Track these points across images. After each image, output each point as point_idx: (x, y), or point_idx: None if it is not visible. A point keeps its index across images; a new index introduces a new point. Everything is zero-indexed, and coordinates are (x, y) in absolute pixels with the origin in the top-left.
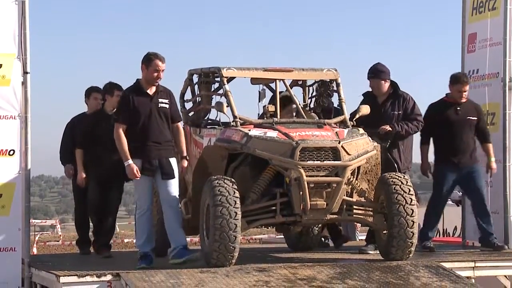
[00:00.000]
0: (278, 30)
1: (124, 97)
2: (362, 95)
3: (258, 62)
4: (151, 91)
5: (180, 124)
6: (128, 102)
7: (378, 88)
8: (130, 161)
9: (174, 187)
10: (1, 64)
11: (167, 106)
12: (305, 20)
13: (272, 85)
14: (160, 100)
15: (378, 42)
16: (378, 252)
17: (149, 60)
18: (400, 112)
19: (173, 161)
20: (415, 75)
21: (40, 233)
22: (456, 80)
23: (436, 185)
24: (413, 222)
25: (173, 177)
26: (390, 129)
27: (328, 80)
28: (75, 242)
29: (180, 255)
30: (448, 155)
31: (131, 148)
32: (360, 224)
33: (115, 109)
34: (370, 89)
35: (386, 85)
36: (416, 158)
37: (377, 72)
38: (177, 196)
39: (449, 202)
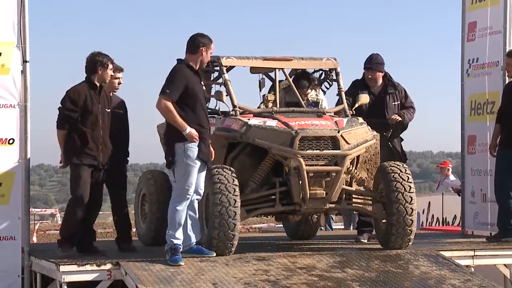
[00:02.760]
0: (278, 19)
1: (182, 72)
2: (352, 83)
3: (258, 51)
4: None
5: None
6: (185, 79)
7: (375, 80)
8: (189, 128)
9: (204, 176)
10: (1, 53)
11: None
12: (305, 9)
13: (272, 74)
14: (201, 83)
15: (377, 31)
16: (368, 241)
17: (208, 44)
18: (398, 102)
19: None
20: (414, 64)
21: (40, 222)
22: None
23: (497, 169)
24: (412, 209)
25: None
26: (400, 118)
27: (328, 69)
28: (60, 240)
29: (199, 251)
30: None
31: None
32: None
33: (168, 82)
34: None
35: (381, 78)
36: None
37: (375, 64)
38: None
39: (450, 190)
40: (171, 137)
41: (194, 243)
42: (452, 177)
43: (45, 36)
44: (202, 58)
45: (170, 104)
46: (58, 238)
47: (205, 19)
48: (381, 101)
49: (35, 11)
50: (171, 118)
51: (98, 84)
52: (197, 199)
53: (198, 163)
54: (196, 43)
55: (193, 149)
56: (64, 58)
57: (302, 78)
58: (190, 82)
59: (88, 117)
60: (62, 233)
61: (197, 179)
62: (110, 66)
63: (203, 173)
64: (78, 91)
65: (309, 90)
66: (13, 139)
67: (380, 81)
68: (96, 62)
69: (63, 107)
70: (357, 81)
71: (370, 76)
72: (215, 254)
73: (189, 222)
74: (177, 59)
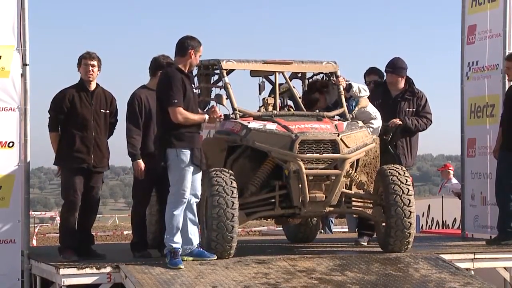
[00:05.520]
0: (277, 21)
1: (178, 78)
2: (374, 83)
3: (258, 54)
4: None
5: None
6: (182, 83)
7: (395, 84)
8: (205, 114)
9: (200, 178)
10: (0, 56)
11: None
12: (304, 11)
13: (272, 77)
14: (193, 86)
15: (377, 33)
16: (367, 243)
17: (197, 47)
18: (413, 109)
19: None
20: (414, 67)
21: (40, 225)
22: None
23: (498, 171)
24: (411, 212)
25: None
26: (400, 122)
27: (328, 72)
28: (60, 247)
29: (201, 254)
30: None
31: (183, 136)
32: None
33: (171, 91)
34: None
35: (402, 82)
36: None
37: (396, 68)
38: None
39: (451, 194)
40: (162, 142)
41: (195, 246)
42: (454, 180)
43: (45, 39)
44: (191, 61)
45: (184, 111)
46: (59, 246)
47: (206, 22)
48: (394, 105)
49: (35, 14)
50: (192, 122)
51: (90, 84)
52: (195, 202)
53: (192, 167)
54: (185, 45)
55: (186, 153)
56: (65, 61)
57: (311, 91)
58: (184, 86)
59: (77, 118)
60: (61, 241)
61: (194, 182)
62: (86, 61)
63: (199, 176)
64: (63, 92)
65: (324, 101)
66: (12, 142)
67: (401, 85)
68: (77, 61)
69: (49, 109)
70: (378, 83)
71: (388, 80)
72: (216, 257)
73: (189, 225)
74: (166, 63)
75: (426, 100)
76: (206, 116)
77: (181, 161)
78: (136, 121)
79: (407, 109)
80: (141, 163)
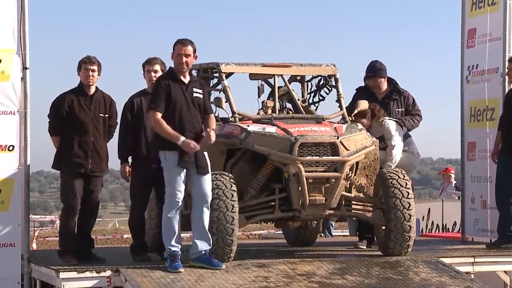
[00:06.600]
0: (276, 24)
1: (160, 84)
2: (356, 90)
3: (257, 57)
4: (185, 79)
5: (213, 115)
6: (164, 89)
7: (378, 86)
8: (183, 138)
9: (209, 183)
10: (1, 60)
11: (201, 96)
12: (304, 14)
13: (271, 80)
14: (194, 89)
15: (377, 36)
16: (366, 247)
17: (173, 46)
18: (402, 109)
19: (206, 154)
20: (414, 70)
21: (40, 228)
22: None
23: (498, 175)
24: (410, 215)
25: (208, 171)
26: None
27: (327, 75)
28: (60, 251)
29: (207, 261)
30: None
31: (167, 139)
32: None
33: (151, 96)
34: (362, 84)
35: (385, 83)
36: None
37: (376, 71)
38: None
39: (453, 197)
40: (155, 145)
41: (203, 252)
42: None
43: (45, 43)
44: (173, 63)
45: (159, 118)
46: (59, 250)
47: (206, 25)
48: (384, 107)
49: (36, 18)
50: (162, 132)
51: (90, 88)
52: (206, 207)
53: (181, 170)
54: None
55: (172, 157)
56: (65, 65)
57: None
58: (169, 92)
59: (76, 123)
60: (60, 244)
61: (200, 188)
62: (86, 66)
63: (203, 179)
64: (62, 96)
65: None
66: (13, 146)
67: (384, 86)
68: (77, 66)
69: (48, 114)
70: (361, 88)
71: (372, 84)
72: (224, 266)
73: (196, 229)
74: (169, 67)
75: (413, 98)
76: (182, 139)
77: (168, 164)
78: (127, 124)
79: (397, 109)
80: (126, 167)
